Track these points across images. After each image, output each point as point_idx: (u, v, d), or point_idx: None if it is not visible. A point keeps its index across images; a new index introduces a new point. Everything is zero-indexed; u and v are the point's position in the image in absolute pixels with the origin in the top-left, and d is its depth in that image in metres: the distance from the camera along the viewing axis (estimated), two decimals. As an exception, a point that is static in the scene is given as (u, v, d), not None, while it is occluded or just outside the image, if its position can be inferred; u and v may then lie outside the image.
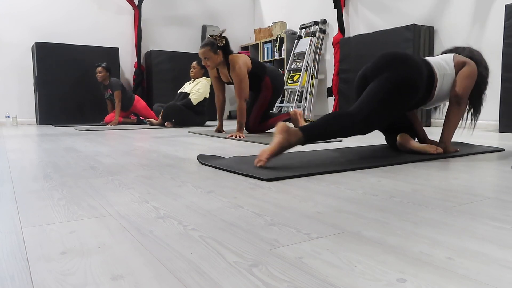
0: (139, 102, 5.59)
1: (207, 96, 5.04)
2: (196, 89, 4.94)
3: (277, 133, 1.59)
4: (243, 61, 3.30)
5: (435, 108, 2.29)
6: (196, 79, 5.06)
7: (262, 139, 2.83)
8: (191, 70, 5.09)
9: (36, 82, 5.73)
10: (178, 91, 5.30)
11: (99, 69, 5.34)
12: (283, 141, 1.57)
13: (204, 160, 1.81)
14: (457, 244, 0.74)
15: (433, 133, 3.61)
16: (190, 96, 4.94)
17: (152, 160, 1.92)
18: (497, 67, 3.98)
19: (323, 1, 6.03)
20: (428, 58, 2.03)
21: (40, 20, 6.03)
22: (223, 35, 3.45)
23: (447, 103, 2.34)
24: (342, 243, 0.75)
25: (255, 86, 3.51)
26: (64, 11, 6.19)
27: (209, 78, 5.07)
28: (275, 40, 6.66)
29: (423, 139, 2.20)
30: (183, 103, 4.93)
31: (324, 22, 6.03)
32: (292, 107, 5.98)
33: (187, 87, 5.08)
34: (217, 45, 3.26)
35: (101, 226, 0.87)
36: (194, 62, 5.08)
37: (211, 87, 6.84)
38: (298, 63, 6.14)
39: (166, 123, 4.95)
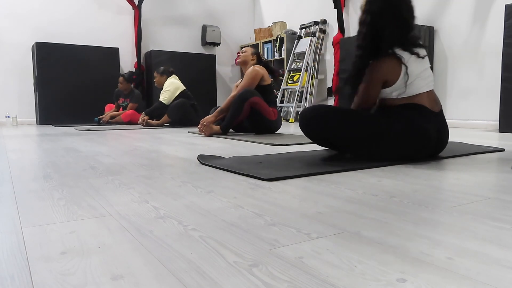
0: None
1: (184, 88, 5.00)
2: (164, 90, 4.96)
3: None
4: (260, 67, 3.54)
5: None
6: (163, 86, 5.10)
7: (262, 139, 2.84)
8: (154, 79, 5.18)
9: (36, 82, 5.73)
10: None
11: (120, 79, 5.64)
12: None
13: (204, 160, 1.81)
14: (457, 244, 0.74)
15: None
16: (160, 99, 4.94)
17: (152, 160, 1.92)
18: (497, 67, 3.97)
19: (323, 1, 6.03)
20: None
21: (40, 20, 6.03)
22: (264, 61, 3.80)
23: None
24: (342, 243, 0.75)
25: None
26: (64, 11, 6.19)
27: (176, 77, 5.11)
28: (275, 40, 6.65)
29: None
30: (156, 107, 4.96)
31: (324, 22, 6.03)
32: (292, 107, 5.98)
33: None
34: (260, 57, 3.70)
35: (101, 226, 0.87)
36: (155, 71, 5.17)
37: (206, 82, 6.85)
38: (298, 63, 6.13)
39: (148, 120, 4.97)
